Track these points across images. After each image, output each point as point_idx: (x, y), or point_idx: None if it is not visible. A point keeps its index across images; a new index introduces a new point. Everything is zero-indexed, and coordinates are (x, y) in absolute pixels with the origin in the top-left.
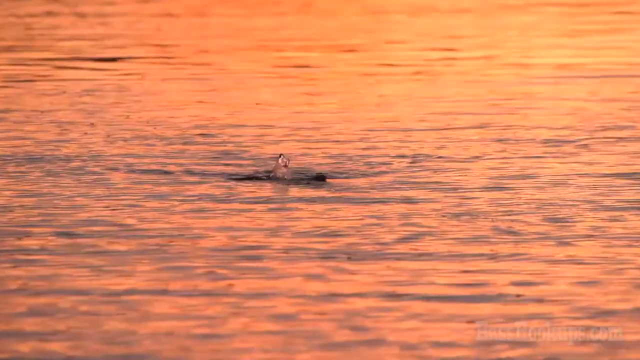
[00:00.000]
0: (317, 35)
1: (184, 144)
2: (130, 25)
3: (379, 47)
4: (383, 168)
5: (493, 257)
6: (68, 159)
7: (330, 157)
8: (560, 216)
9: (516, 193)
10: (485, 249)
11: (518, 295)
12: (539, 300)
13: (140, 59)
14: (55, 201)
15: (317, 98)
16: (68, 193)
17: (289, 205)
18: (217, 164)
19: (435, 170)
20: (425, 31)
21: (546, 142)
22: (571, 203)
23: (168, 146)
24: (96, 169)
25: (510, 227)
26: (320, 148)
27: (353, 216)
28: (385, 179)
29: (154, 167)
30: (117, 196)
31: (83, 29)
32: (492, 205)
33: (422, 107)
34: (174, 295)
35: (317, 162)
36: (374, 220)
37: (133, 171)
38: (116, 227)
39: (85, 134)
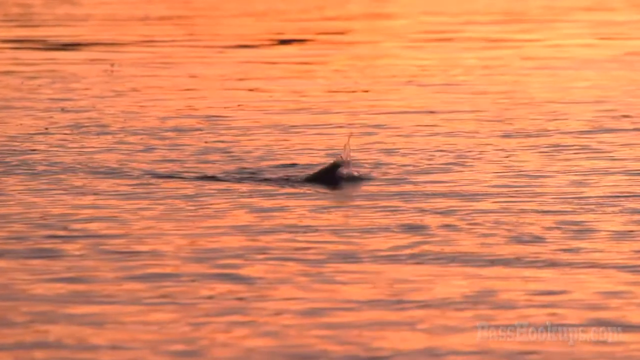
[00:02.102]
0: (313, 15)
1: (157, 139)
2: (100, 5)
3: (379, 30)
4: (387, 164)
5: (505, 262)
6: (23, 155)
7: (328, 153)
8: (580, 218)
9: (531, 192)
10: (496, 254)
11: (532, 304)
12: (554, 308)
13: (110, 43)
14: (8, 202)
15: (312, 89)
16: (22, 194)
17: (271, 206)
18: (194, 162)
19: (442, 167)
20: (435, 11)
21: (566, 135)
22: (593, 203)
23: (139, 142)
24: (55, 167)
25: (524, 229)
26: (317, 144)
27: (350, 217)
28: (389, 176)
29: (119, 165)
30: (76, 196)
31: (48, 9)
32: (505, 205)
33: (430, 99)
34: (136, 304)
35: (313, 159)
36: (373, 223)
37: (95, 169)
38: (74, 230)
39: (46, 128)
